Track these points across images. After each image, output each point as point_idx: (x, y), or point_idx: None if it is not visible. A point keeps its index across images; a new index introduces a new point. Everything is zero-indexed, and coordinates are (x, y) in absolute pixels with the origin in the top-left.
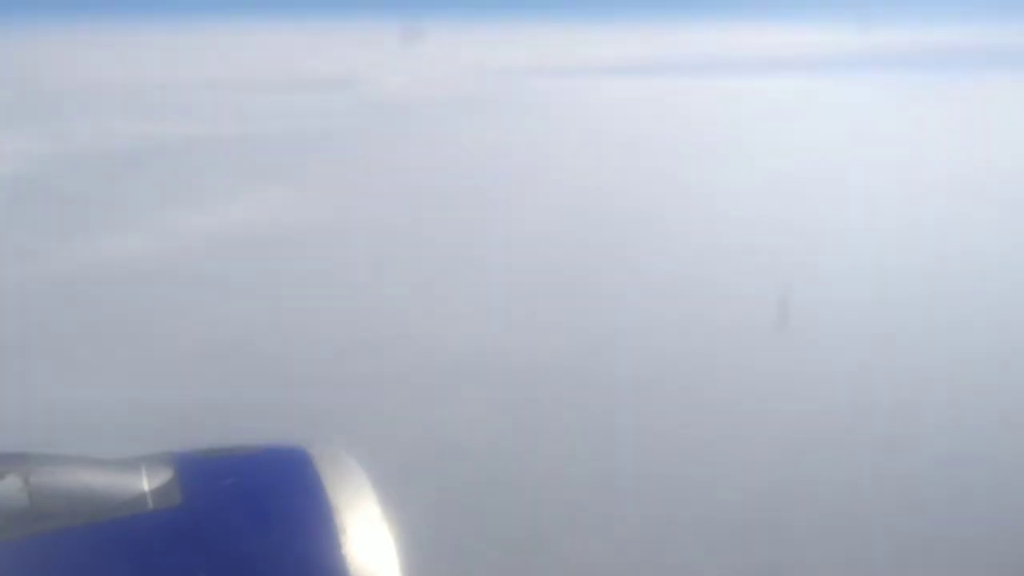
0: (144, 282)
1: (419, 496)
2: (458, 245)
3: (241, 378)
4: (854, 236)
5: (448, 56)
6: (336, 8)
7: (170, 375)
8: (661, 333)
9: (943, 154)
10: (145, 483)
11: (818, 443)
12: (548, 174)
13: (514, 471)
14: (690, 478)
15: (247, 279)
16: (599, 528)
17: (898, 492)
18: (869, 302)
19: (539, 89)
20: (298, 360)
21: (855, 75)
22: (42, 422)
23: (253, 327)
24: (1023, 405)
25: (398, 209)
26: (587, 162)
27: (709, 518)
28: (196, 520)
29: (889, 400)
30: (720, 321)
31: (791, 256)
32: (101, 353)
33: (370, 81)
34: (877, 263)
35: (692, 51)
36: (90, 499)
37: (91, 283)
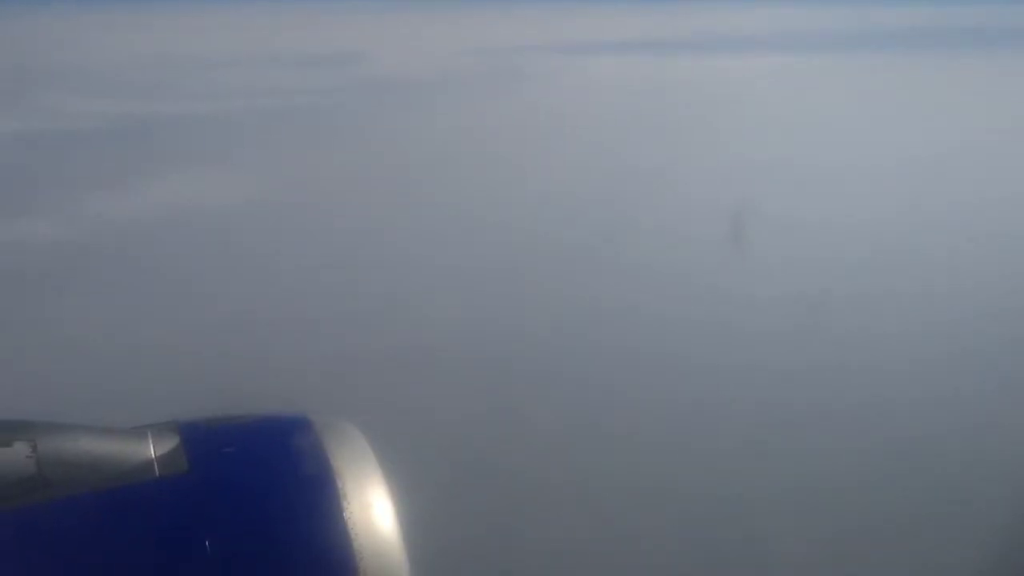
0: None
1: None
2: (430, 227)
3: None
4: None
5: (443, 35)
6: None
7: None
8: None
9: (917, 131)
10: (152, 450)
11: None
12: (531, 152)
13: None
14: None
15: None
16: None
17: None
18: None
19: (533, 67)
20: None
21: (848, 54)
22: None
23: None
24: (956, 330)
25: (370, 189)
26: (577, 140)
27: None
28: (202, 486)
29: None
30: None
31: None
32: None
33: (365, 60)
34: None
35: (688, 30)
36: (98, 466)
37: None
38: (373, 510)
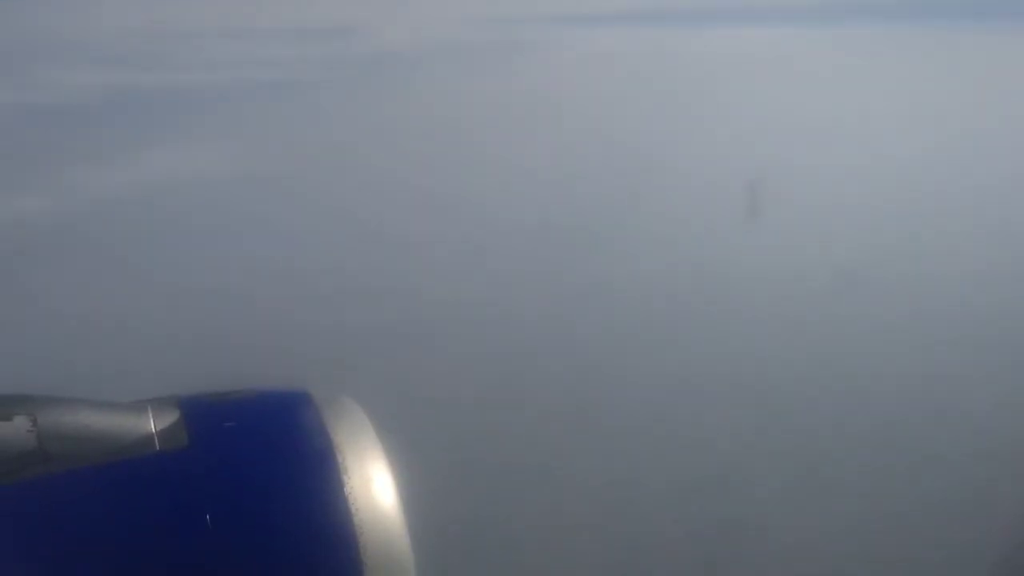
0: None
1: None
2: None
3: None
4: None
5: (440, 6)
6: None
7: None
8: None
9: (917, 104)
10: (152, 425)
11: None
12: (529, 125)
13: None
14: None
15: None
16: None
17: None
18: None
19: (532, 39)
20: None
21: (848, 26)
22: None
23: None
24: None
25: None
26: (576, 113)
27: None
28: (203, 461)
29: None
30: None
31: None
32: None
33: (360, 32)
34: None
35: (689, 1)
36: (98, 440)
37: None
38: (373, 484)
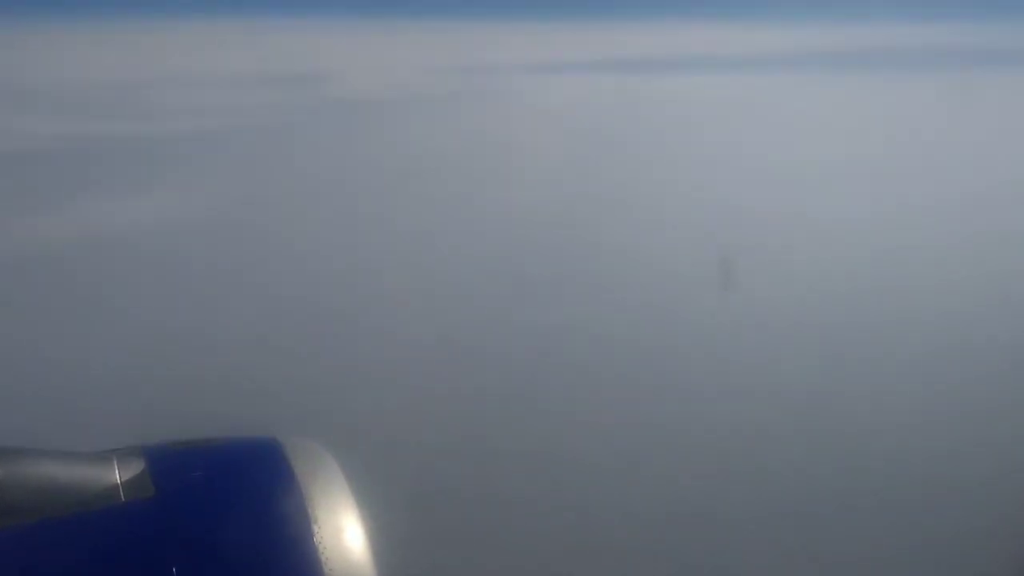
0: None
1: None
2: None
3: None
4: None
5: (411, 54)
6: (312, 6)
7: None
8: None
9: (902, 148)
10: (117, 475)
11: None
12: (495, 171)
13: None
14: None
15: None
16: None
17: None
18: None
19: (501, 86)
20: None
21: (833, 72)
22: None
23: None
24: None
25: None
26: (541, 160)
27: None
28: (169, 511)
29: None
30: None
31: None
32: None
33: (333, 79)
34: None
35: (660, 49)
36: (62, 492)
37: None
38: (344, 535)
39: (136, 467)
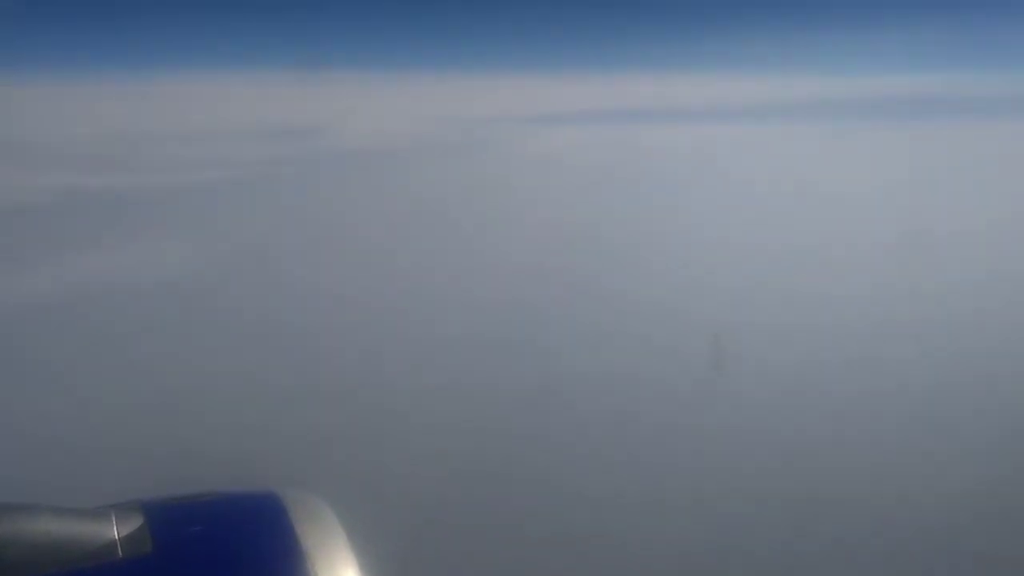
0: None
1: None
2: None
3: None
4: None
5: (410, 105)
6: (309, 59)
7: None
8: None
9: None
10: (115, 531)
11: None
12: (492, 223)
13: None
14: None
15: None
16: None
17: None
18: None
19: (499, 137)
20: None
21: (810, 122)
22: None
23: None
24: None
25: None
26: (540, 211)
27: None
28: (167, 567)
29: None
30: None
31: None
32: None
33: (332, 130)
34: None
35: (659, 100)
36: (60, 548)
37: None
38: None
39: (135, 522)
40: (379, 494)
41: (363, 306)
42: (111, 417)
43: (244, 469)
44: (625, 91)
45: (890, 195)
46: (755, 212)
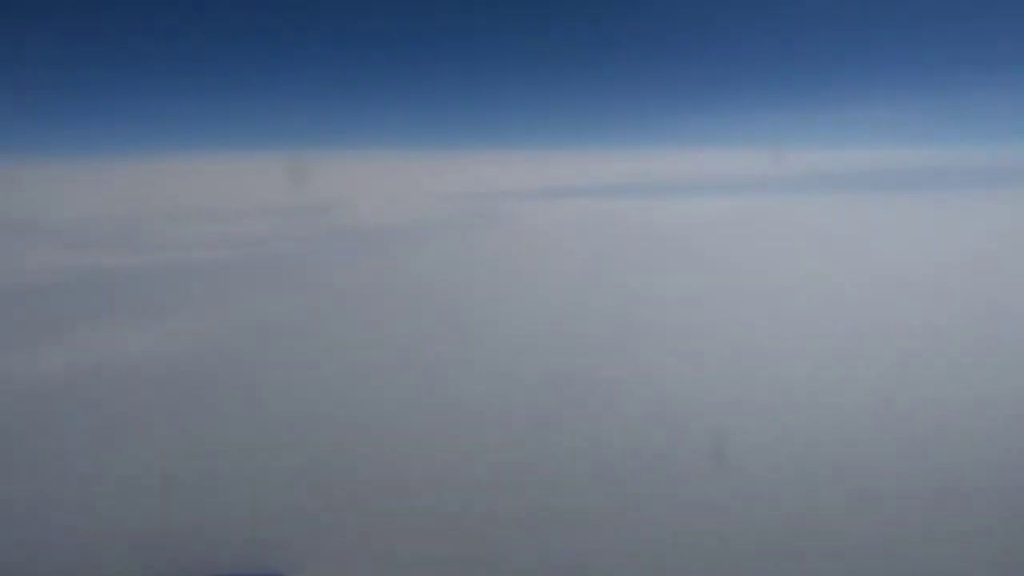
0: None
1: None
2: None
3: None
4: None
5: (419, 181)
6: (318, 138)
7: None
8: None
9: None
10: None
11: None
12: (501, 298)
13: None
14: None
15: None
16: None
17: None
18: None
19: (508, 212)
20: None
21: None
22: None
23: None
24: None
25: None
26: (549, 286)
27: None
28: None
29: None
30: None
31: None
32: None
33: (343, 208)
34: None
35: (663, 174)
36: None
37: None
38: None
39: None
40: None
41: (371, 386)
42: (121, 496)
43: (249, 550)
44: (625, 166)
45: (887, 270)
46: (756, 290)
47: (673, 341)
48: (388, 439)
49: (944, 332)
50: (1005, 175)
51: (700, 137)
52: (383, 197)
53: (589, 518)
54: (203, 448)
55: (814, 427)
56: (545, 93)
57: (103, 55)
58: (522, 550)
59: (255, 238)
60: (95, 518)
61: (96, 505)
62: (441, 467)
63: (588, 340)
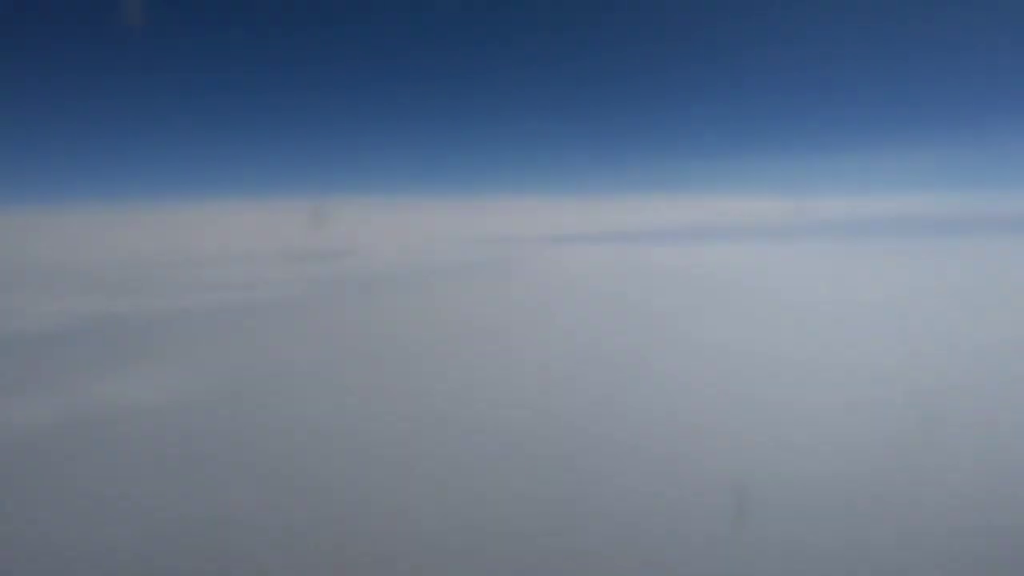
0: None
1: None
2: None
3: None
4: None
5: (435, 226)
6: (333, 183)
7: None
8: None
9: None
10: None
11: None
12: (516, 344)
13: None
14: None
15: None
16: None
17: None
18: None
19: (525, 257)
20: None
21: (808, 241)
22: None
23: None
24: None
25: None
26: (565, 331)
27: None
28: None
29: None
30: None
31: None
32: None
33: (359, 252)
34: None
35: (662, 221)
36: None
37: None
38: None
39: None
40: None
41: (383, 431)
42: (131, 546)
43: None
44: (645, 211)
45: (917, 320)
46: (780, 339)
47: (694, 389)
48: (399, 487)
49: (972, 389)
50: None
51: (722, 183)
52: (400, 241)
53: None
54: (214, 494)
55: (842, 482)
56: (567, 138)
57: (123, 101)
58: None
59: (272, 282)
60: (106, 560)
61: (105, 549)
62: (447, 528)
63: (606, 389)
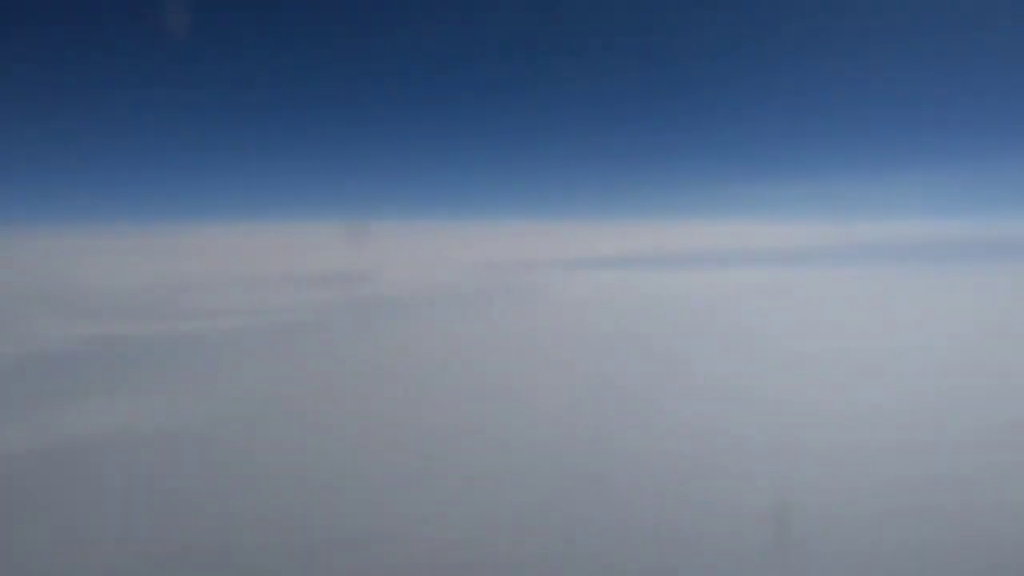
0: None
1: None
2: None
3: None
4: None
5: (446, 251)
6: (351, 207)
7: None
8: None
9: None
10: None
11: None
12: (523, 371)
13: None
14: None
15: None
16: None
17: None
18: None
19: (535, 282)
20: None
21: (837, 267)
22: None
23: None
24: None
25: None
26: (575, 358)
27: None
28: None
29: None
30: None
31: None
32: None
33: (371, 277)
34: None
35: (684, 245)
36: None
37: None
38: None
39: None
40: None
41: (399, 458)
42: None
43: None
44: (654, 236)
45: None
46: (790, 363)
47: (706, 417)
48: (413, 515)
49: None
50: None
51: (733, 208)
52: (410, 266)
53: None
54: (218, 521)
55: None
56: (577, 164)
57: (132, 122)
58: None
59: (282, 307)
60: None
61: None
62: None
63: (615, 418)
